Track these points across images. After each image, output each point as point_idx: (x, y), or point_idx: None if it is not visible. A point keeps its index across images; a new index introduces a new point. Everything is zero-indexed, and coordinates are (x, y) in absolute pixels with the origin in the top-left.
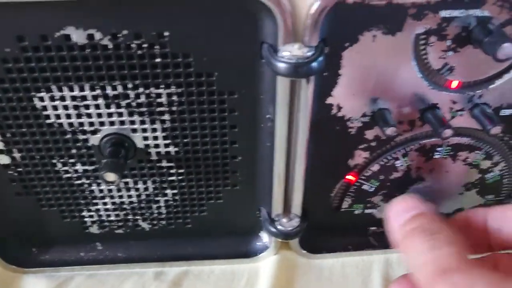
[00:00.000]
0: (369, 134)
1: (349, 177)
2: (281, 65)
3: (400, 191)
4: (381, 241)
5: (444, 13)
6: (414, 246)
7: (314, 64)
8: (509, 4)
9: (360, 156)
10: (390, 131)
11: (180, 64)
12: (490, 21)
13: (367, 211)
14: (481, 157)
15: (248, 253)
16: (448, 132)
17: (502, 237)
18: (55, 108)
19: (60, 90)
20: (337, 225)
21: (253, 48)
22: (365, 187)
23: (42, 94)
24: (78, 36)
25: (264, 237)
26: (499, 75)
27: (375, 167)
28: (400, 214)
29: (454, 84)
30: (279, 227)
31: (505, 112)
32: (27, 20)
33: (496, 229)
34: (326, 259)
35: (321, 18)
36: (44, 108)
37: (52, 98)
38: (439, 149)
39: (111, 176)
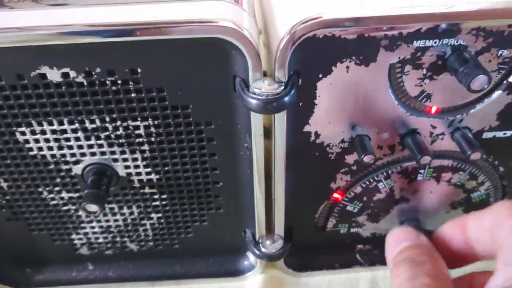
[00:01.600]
0: (349, 159)
1: (335, 195)
2: (252, 101)
3: (385, 211)
4: (367, 258)
5: (418, 43)
6: (398, 274)
7: (285, 99)
8: (484, 32)
9: (341, 180)
10: (367, 158)
11: (155, 98)
12: (465, 49)
13: (352, 230)
14: (465, 178)
15: (236, 272)
16: (426, 159)
17: (481, 247)
18: (36, 141)
19: (40, 124)
20: (323, 244)
21: (227, 82)
22: (349, 208)
23: (23, 128)
24: (53, 74)
25: (251, 256)
26: (479, 99)
27: (358, 189)
28: (394, 245)
29: (434, 109)
30: (263, 249)
31: (487, 135)
32: (2, 61)
33: (476, 240)
34: (313, 277)
35: (289, 54)
36: (26, 141)
37: (33, 132)
38: (421, 171)
39: (92, 207)
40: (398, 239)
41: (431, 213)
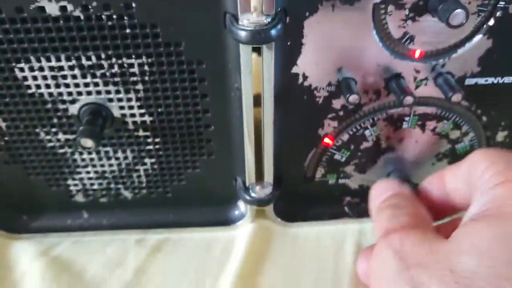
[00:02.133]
0: (336, 104)
1: (326, 140)
2: (241, 33)
3: (372, 160)
4: (355, 211)
5: None
6: (380, 218)
7: (272, 32)
8: None
9: (329, 126)
10: (352, 98)
11: (149, 35)
12: None
13: (340, 181)
14: (449, 127)
15: (226, 221)
16: (409, 99)
17: (460, 197)
18: (34, 78)
19: (38, 60)
20: (312, 195)
21: (218, 18)
22: (337, 156)
23: (22, 65)
24: (51, 8)
25: (241, 206)
26: (461, 44)
27: (345, 137)
28: (378, 195)
29: (417, 53)
30: (253, 194)
31: (470, 82)
32: None
33: (453, 190)
34: (301, 227)
35: None
36: (25, 78)
37: (32, 69)
38: (406, 118)
39: (88, 142)
40: (382, 191)
41: (417, 164)
